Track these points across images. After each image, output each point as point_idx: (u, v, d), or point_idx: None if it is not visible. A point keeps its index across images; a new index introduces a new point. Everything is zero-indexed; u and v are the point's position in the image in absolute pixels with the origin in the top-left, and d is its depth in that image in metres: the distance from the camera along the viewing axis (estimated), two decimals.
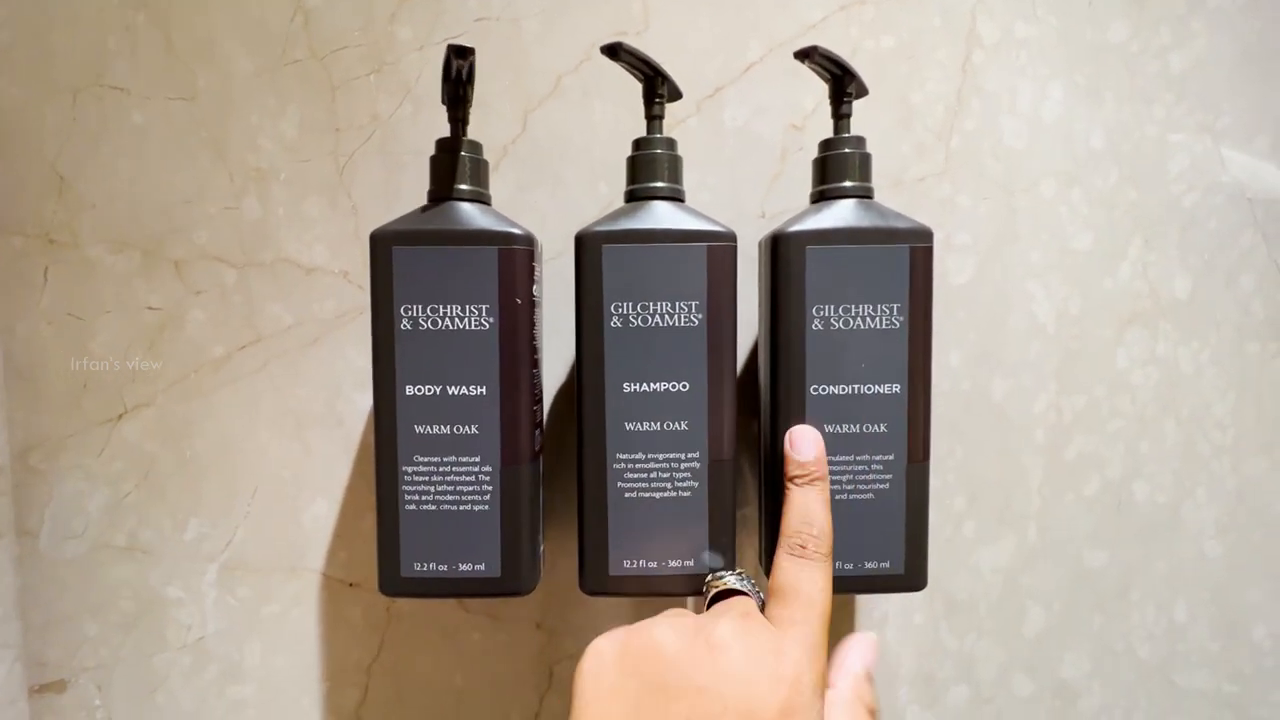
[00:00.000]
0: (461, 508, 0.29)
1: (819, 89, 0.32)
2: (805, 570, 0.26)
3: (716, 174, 0.36)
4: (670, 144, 0.30)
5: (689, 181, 0.35)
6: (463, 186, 0.30)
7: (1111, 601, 0.38)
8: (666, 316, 0.29)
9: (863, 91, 0.30)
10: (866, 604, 0.37)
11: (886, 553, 0.30)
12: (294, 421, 0.36)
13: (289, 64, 0.35)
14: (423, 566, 0.29)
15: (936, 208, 0.36)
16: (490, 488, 0.29)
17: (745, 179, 0.36)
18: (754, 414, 0.35)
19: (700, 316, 0.29)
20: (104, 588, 0.36)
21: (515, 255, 0.29)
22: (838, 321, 0.29)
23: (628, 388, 0.29)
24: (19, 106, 0.35)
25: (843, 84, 0.30)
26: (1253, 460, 0.37)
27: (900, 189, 0.36)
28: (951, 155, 0.36)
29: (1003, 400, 0.37)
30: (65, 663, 0.37)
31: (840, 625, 0.37)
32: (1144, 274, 0.37)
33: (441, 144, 0.30)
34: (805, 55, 0.28)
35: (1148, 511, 0.37)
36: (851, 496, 0.29)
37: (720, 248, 0.29)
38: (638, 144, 0.30)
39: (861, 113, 0.34)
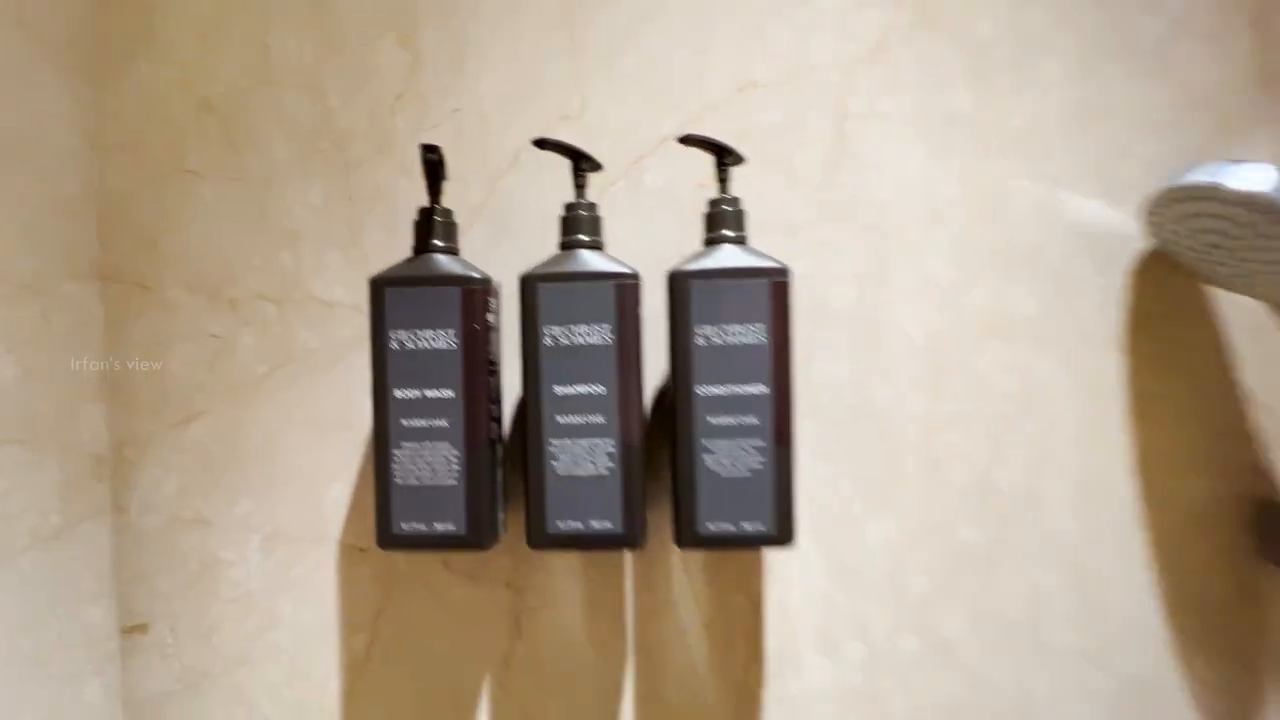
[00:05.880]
0: (436, 481, 0.39)
1: None
2: None
3: (641, 225, 0.45)
4: (591, 206, 0.40)
5: (620, 232, 0.45)
6: (437, 242, 0.40)
7: (984, 571, 0.45)
8: (586, 336, 0.38)
9: (738, 160, 0.40)
10: (775, 568, 0.45)
11: (760, 516, 0.38)
12: (318, 424, 0.47)
13: (315, 151, 0.46)
14: (408, 526, 0.39)
15: (817, 248, 0.45)
16: (457, 466, 0.39)
17: (665, 228, 0.45)
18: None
19: (612, 336, 0.38)
20: (176, 552, 0.47)
21: (474, 293, 0.39)
22: (716, 338, 0.38)
23: (559, 390, 0.38)
24: (124, 189, 0.47)
25: (721, 156, 0.39)
26: (1098, 451, 0.44)
27: (787, 233, 0.45)
28: (830, 205, 0.45)
29: (885, 404, 0.45)
30: (147, 610, 0.47)
31: (751, 586, 0.45)
32: (996, 298, 0.44)
33: (421, 210, 0.40)
34: (685, 141, 0.38)
35: (1009, 495, 0.45)
36: (732, 474, 0.38)
37: (626, 284, 0.38)
38: (567, 206, 0.40)
39: (754, 174, 0.44)
